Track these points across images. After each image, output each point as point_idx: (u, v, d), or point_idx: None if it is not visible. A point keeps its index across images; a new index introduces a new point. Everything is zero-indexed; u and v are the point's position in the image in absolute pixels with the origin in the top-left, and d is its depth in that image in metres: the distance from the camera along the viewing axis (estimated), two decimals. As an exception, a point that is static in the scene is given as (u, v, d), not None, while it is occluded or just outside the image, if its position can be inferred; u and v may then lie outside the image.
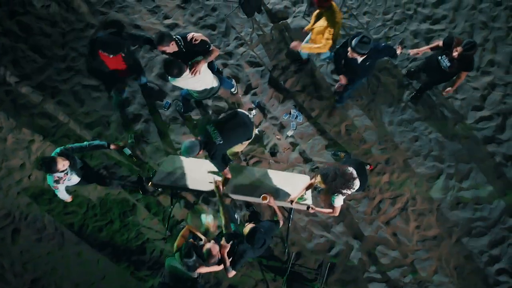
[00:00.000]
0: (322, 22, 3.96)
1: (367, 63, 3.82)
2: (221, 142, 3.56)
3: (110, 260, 4.63)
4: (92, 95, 4.99)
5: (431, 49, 4.16)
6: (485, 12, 5.08)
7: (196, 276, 4.09)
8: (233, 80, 4.87)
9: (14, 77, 5.05)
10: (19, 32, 5.15)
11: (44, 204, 4.76)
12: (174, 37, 3.74)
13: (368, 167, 4.70)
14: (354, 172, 3.41)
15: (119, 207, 4.73)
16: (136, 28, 5.15)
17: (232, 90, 4.86)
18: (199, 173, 4.09)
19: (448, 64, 3.97)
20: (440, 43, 4.03)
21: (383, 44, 3.86)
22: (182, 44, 3.76)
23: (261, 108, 4.93)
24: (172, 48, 3.71)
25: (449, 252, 4.56)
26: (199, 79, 3.84)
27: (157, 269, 4.61)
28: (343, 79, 4.12)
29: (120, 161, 4.79)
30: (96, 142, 3.95)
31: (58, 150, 3.71)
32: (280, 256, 4.58)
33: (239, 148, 4.12)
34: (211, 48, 3.81)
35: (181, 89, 4.34)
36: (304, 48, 4.16)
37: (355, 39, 3.61)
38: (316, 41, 4.09)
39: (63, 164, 3.54)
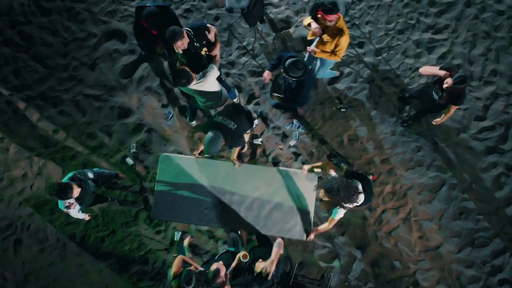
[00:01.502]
0: (329, 35, 3.90)
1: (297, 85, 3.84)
2: (235, 125, 3.69)
3: (112, 271, 4.63)
4: (94, 105, 4.98)
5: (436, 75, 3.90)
6: (488, 22, 5.07)
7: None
8: (236, 89, 4.87)
9: (15, 87, 5.03)
10: (20, 42, 5.13)
11: (46, 214, 4.75)
12: (184, 29, 3.76)
13: (370, 177, 4.70)
14: (360, 186, 3.38)
15: (121, 217, 4.72)
16: (138, 38, 5.14)
17: (235, 100, 4.85)
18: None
19: (439, 94, 3.89)
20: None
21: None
22: (193, 34, 3.81)
23: (263, 118, 4.93)
24: (185, 40, 3.74)
25: (451, 262, 4.56)
26: (205, 86, 3.87)
27: (159, 280, 4.61)
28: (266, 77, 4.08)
29: (122, 171, 4.77)
30: (107, 171, 4.11)
31: (71, 174, 3.71)
32: (283, 266, 4.57)
33: (246, 138, 4.20)
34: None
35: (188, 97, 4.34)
36: (315, 51, 4.12)
37: (289, 60, 3.62)
38: (326, 49, 4.03)
39: (77, 191, 3.56)
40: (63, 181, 3.64)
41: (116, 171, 4.56)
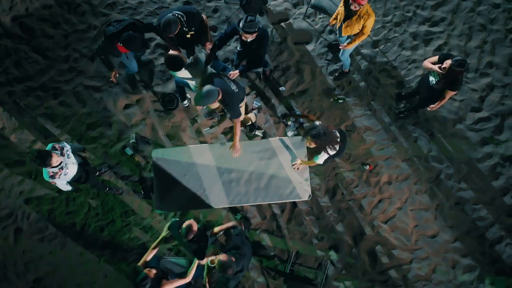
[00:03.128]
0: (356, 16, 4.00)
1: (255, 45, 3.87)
2: (236, 90, 3.72)
3: (112, 259, 4.67)
4: (94, 96, 5.04)
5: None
6: (484, 15, 5.13)
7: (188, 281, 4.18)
8: (230, 66, 4.89)
9: (16, 78, 5.09)
10: (21, 33, 5.19)
11: (46, 204, 4.80)
12: (177, 15, 3.81)
13: (367, 167, 4.75)
14: (338, 135, 3.73)
15: (120, 206, 4.77)
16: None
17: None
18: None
19: (436, 79, 3.93)
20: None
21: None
22: (185, 20, 3.85)
23: (262, 109, 4.97)
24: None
25: (447, 252, 4.60)
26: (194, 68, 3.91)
27: (158, 268, 4.64)
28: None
29: (121, 161, 4.82)
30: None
31: (50, 146, 3.72)
32: (280, 255, 4.63)
33: (242, 110, 4.18)
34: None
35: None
36: (348, 46, 4.26)
37: (241, 21, 3.67)
38: (354, 31, 4.14)
39: (56, 159, 3.56)
40: (47, 148, 3.68)
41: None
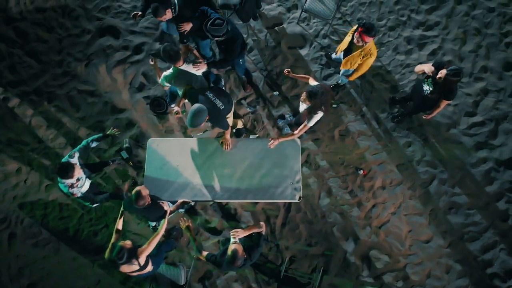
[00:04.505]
0: (358, 53, 3.98)
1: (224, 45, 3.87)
2: (222, 106, 3.70)
3: (105, 264, 4.67)
4: (87, 100, 5.03)
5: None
6: (478, 19, 5.12)
7: (182, 283, 4.19)
8: (222, 79, 4.90)
9: (10, 82, 5.08)
10: (15, 38, 5.18)
11: (40, 208, 4.79)
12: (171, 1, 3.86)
13: (361, 172, 4.74)
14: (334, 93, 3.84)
15: (114, 211, 4.76)
16: (132, 34, 5.19)
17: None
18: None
19: (431, 89, 3.89)
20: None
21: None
22: (176, 10, 3.89)
23: (256, 113, 4.97)
24: (168, 15, 3.85)
25: (441, 257, 4.59)
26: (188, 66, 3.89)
27: (151, 275, 4.64)
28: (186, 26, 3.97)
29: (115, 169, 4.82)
30: (93, 136, 4.03)
31: (66, 158, 3.74)
32: (274, 260, 4.62)
33: (229, 121, 4.19)
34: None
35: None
36: (353, 77, 4.28)
37: (208, 22, 3.62)
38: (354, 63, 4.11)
39: (78, 171, 3.64)
40: (63, 160, 3.69)
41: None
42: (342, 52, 4.18)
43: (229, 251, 3.21)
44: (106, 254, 3.49)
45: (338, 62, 4.94)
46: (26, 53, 5.15)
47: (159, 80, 3.95)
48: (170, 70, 3.85)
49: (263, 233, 3.55)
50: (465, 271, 4.57)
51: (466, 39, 5.08)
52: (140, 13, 4.30)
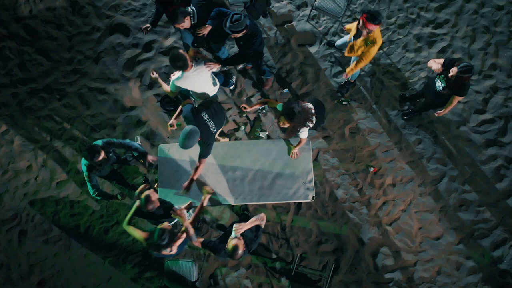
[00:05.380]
0: (362, 39, 3.93)
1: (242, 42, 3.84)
2: (215, 130, 3.71)
3: (116, 262, 4.68)
4: (98, 98, 5.04)
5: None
6: (487, 17, 5.14)
7: (194, 280, 4.18)
8: (234, 77, 4.93)
9: (20, 80, 5.09)
10: (25, 35, 5.19)
11: (51, 205, 4.80)
12: (190, 9, 3.86)
13: (372, 169, 4.76)
14: (313, 108, 3.69)
15: (125, 208, 4.77)
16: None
17: (231, 87, 4.94)
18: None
19: (443, 85, 3.91)
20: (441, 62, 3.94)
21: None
22: (195, 18, 3.87)
23: (266, 110, 4.98)
24: (187, 23, 3.84)
25: (451, 254, 4.61)
26: (200, 78, 3.87)
27: (162, 270, 4.64)
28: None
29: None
30: (136, 144, 4.03)
31: (100, 142, 3.78)
32: (285, 257, 4.63)
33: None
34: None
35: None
36: (349, 73, 4.25)
37: (227, 20, 3.59)
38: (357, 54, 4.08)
39: (103, 156, 3.66)
40: (93, 143, 3.71)
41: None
42: (349, 38, 4.14)
43: (229, 246, 3.20)
44: (144, 243, 3.47)
45: (341, 50, 4.94)
46: (36, 50, 5.16)
47: (168, 89, 3.93)
48: (179, 74, 3.83)
49: (262, 225, 3.54)
50: (475, 268, 4.59)
51: (475, 37, 5.10)
52: (150, 26, 4.33)
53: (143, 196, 3.42)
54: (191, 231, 3.41)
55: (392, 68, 5.06)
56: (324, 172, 4.80)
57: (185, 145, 3.40)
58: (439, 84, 3.97)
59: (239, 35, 3.70)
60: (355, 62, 4.19)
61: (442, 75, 3.91)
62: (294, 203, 4.71)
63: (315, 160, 4.82)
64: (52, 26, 5.22)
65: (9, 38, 5.18)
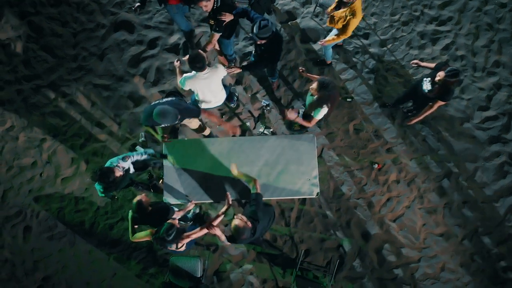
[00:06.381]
0: (343, 10, 3.96)
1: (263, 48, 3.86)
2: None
3: (121, 258, 4.69)
4: (103, 94, 5.05)
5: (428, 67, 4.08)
6: (490, 14, 5.15)
7: (199, 276, 4.18)
8: (235, 96, 4.95)
9: (25, 76, 5.10)
10: (30, 32, 5.20)
11: (56, 202, 4.81)
12: None
13: (376, 166, 4.77)
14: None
15: (129, 205, 4.78)
16: (147, 29, 5.21)
17: (232, 105, 4.96)
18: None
19: (430, 87, 3.90)
20: (433, 65, 3.99)
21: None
22: (219, 2, 3.86)
23: (270, 108, 4.99)
24: (210, 5, 3.81)
25: (455, 250, 4.62)
26: (210, 83, 3.88)
27: (167, 266, 4.66)
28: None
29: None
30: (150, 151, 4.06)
31: (115, 160, 3.76)
32: (289, 253, 4.64)
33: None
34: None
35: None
36: (327, 41, 4.22)
37: (255, 26, 3.62)
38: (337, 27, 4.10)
39: (119, 174, 3.66)
40: (106, 165, 3.72)
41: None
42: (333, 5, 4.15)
43: (232, 230, 3.17)
44: (150, 237, 3.49)
45: (326, 7, 4.87)
46: (41, 47, 5.17)
47: (178, 81, 3.95)
48: (191, 74, 3.85)
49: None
50: (478, 264, 4.60)
51: (478, 34, 5.12)
52: (138, 4, 4.31)
53: (134, 200, 3.46)
54: (223, 237, 3.41)
55: (396, 65, 5.07)
56: (328, 169, 4.82)
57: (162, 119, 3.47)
58: (425, 86, 3.95)
59: (264, 41, 3.72)
60: (335, 34, 4.17)
61: (429, 78, 3.89)
62: (299, 199, 4.72)
63: (320, 156, 4.83)
64: (57, 23, 5.23)
65: (13, 35, 5.19)
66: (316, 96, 3.67)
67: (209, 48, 4.06)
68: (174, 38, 5.19)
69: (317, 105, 3.69)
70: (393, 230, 4.68)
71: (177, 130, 4.79)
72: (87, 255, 4.71)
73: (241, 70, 4.02)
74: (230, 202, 3.54)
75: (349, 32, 4.07)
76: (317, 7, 5.03)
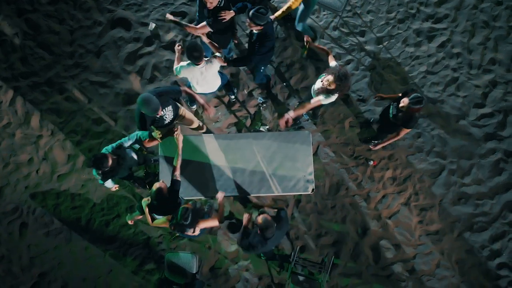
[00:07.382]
0: None
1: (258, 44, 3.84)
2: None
3: (117, 254, 4.69)
4: (99, 92, 5.06)
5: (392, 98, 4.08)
6: (486, 12, 5.17)
7: (194, 272, 4.20)
8: (235, 89, 4.95)
9: (22, 73, 5.11)
10: (27, 29, 5.21)
11: (52, 198, 4.82)
12: None
13: (371, 162, 4.78)
14: None
15: (125, 201, 4.79)
16: (143, 26, 5.22)
17: (232, 97, 4.95)
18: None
19: (394, 112, 3.87)
20: (396, 96, 3.98)
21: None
22: (223, 2, 3.87)
23: (266, 105, 5.00)
24: (214, 2, 3.80)
25: (451, 247, 4.63)
26: (207, 73, 3.91)
27: (163, 263, 4.66)
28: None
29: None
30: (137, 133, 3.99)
31: (110, 148, 3.78)
32: (284, 249, 4.65)
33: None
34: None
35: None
36: (278, 15, 4.17)
37: (253, 9, 3.59)
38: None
39: (112, 161, 3.65)
40: (101, 152, 3.72)
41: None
42: None
43: (261, 221, 3.28)
44: (168, 225, 3.53)
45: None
46: (37, 44, 5.18)
47: (174, 67, 3.97)
48: (187, 64, 3.86)
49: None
50: (474, 260, 4.61)
51: (474, 32, 5.13)
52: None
53: (154, 188, 3.47)
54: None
55: (392, 62, 5.09)
56: (324, 166, 4.83)
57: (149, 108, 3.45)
58: (391, 111, 3.93)
59: (256, 28, 3.71)
60: (285, 6, 4.12)
61: (396, 103, 3.84)
62: (294, 195, 4.73)
63: (315, 154, 4.84)
64: (53, 20, 5.25)
65: (10, 32, 5.20)
66: (330, 88, 3.62)
67: (190, 30, 4.03)
68: (171, 36, 5.20)
69: (328, 91, 3.69)
70: (388, 227, 4.69)
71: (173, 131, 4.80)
72: (83, 252, 4.72)
73: (226, 64, 3.98)
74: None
75: (297, 3, 4.03)
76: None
